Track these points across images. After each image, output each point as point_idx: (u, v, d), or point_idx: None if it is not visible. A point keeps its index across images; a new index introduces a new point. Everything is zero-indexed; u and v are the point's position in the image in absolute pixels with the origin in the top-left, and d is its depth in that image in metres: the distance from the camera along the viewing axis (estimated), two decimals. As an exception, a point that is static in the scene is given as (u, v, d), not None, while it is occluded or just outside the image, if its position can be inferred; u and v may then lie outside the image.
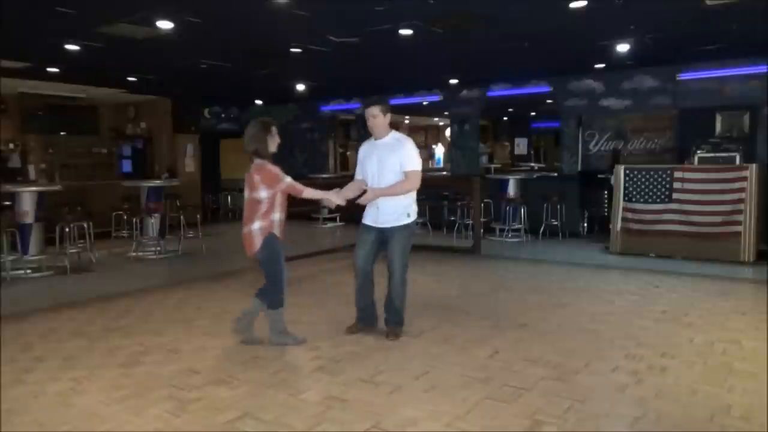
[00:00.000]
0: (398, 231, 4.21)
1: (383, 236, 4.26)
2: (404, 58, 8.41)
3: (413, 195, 4.30)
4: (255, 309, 4.24)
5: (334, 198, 4.22)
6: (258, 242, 4.02)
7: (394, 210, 4.20)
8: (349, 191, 4.35)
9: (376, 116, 4.20)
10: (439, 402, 3.20)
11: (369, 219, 4.31)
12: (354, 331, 4.40)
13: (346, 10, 5.90)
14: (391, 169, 4.17)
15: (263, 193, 3.99)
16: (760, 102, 8.58)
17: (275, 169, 4.01)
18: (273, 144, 4.11)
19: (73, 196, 8.53)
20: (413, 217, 4.29)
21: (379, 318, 4.52)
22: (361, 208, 4.37)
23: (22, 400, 3.31)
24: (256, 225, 4.02)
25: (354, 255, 4.38)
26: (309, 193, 4.19)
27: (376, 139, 4.32)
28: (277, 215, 4.08)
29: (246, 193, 4.10)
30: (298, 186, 4.11)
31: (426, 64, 9.12)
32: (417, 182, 4.22)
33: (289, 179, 4.06)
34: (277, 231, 4.10)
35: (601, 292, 5.84)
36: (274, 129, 4.12)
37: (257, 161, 4.03)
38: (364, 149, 4.40)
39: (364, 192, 4.23)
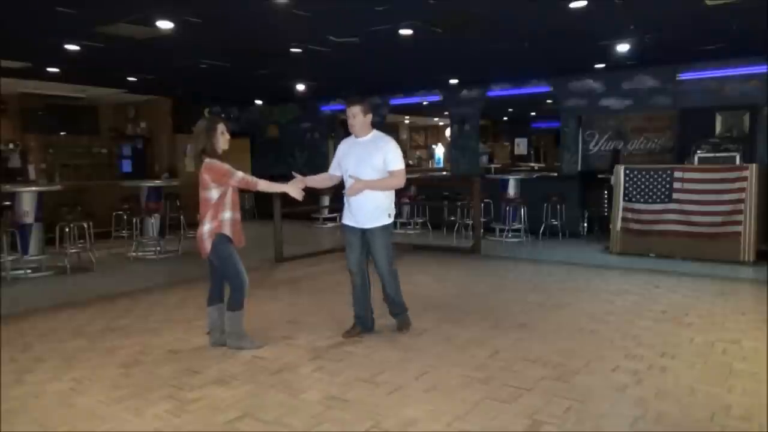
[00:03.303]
0: (379, 231, 4.27)
1: (366, 238, 4.30)
2: (404, 58, 8.41)
3: (392, 196, 4.36)
4: (216, 317, 4.19)
5: (292, 191, 4.16)
6: (208, 245, 3.97)
7: (376, 210, 4.23)
8: (314, 181, 4.43)
9: (356, 115, 4.22)
10: (439, 402, 3.20)
11: (350, 220, 4.31)
12: (352, 335, 4.40)
13: (346, 10, 5.90)
14: (372, 167, 4.18)
15: (214, 192, 3.95)
16: (760, 102, 8.58)
17: (225, 166, 3.96)
18: (221, 142, 4.04)
19: (73, 196, 8.53)
20: (392, 217, 4.36)
21: (376, 321, 4.54)
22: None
23: (22, 400, 3.32)
24: (206, 227, 3.97)
25: (346, 259, 4.39)
26: (264, 185, 4.11)
27: (357, 137, 4.33)
28: (228, 214, 4.00)
29: (200, 193, 4.04)
30: (252, 179, 4.05)
31: (426, 64, 9.12)
32: (403, 180, 4.30)
33: (240, 174, 3.99)
34: (228, 231, 3.99)
35: (601, 292, 5.84)
36: (221, 127, 4.05)
37: (207, 160, 3.98)
38: (344, 146, 4.41)
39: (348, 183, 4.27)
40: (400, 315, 4.56)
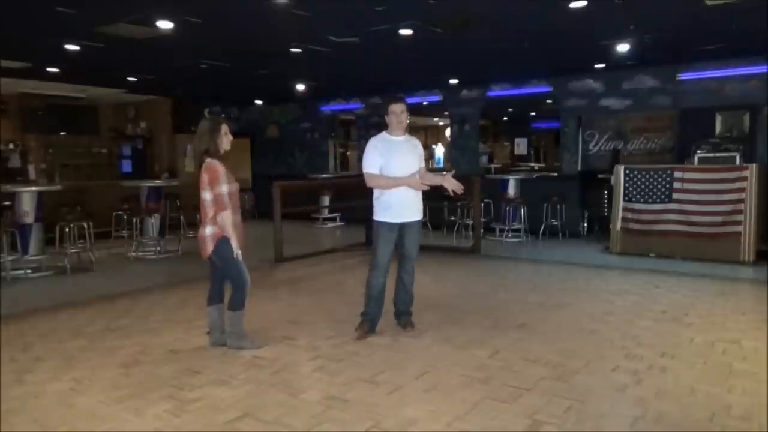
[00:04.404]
0: (418, 224, 4.49)
1: (401, 231, 4.38)
2: (404, 58, 8.41)
3: None
4: (216, 317, 4.20)
5: (236, 243, 3.96)
6: (209, 247, 3.97)
7: (417, 205, 4.45)
8: (403, 181, 4.31)
9: (404, 112, 4.35)
10: (439, 402, 3.20)
11: (392, 216, 4.33)
12: (364, 331, 4.38)
13: (346, 10, 5.90)
14: (415, 164, 4.39)
15: (208, 195, 3.93)
16: (760, 102, 8.58)
17: (220, 172, 3.91)
18: (225, 143, 4.02)
19: (73, 196, 8.53)
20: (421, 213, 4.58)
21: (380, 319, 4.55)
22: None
23: (22, 400, 3.32)
24: (208, 230, 3.96)
25: (380, 256, 4.35)
26: (226, 218, 3.90)
27: (392, 135, 4.38)
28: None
29: (200, 194, 4.03)
30: (225, 203, 3.88)
31: (426, 64, 9.11)
32: None
33: (223, 189, 3.89)
34: (228, 234, 3.96)
35: (601, 292, 5.84)
36: (224, 127, 4.03)
37: (207, 160, 3.96)
38: (384, 145, 4.36)
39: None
40: (406, 315, 4.60)
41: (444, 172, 4.49)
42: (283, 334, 4.50)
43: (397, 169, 4.29)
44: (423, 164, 4.49)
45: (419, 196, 4.43)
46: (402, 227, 4.37)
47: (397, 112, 4.30)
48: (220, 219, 3.93)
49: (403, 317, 4.59)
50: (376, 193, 4.38)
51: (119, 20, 6.12)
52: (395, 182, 4.29)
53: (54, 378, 3.66)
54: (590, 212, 9.89)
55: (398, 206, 4.32)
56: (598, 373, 3.62)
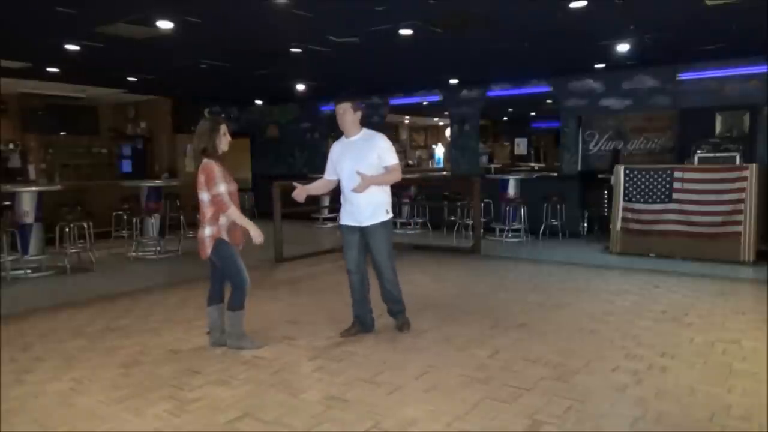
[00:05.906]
0: (379, 227, 4.25)
1: (364, 235, 4.28)
2: (404, 58, 8.41)
3: (389, 193, 4.35)
4: (216, 317, 4.20)
5: (254, 232, 3.98)
6: (208, 249, 3.98)
7: (374, 207, 4.22)
8: (314, 188, 4.47)
9: (345, 112, 4.20)
10: (439, 402, 3.20)
11: (348, 219, 4.30)
12: (351, 333, 4.40)
13: (346, 10, 5.90)
14: (369, 165, 4.15)
15: (206, 195, 3.93)
16: (760, 102, 8.58)
17: (217, 172, 3.90)
18: (223, 143, 4.03)
19: (73, 196, 8.52)
20: (391, 213, 4.34)
21: (376, 321, 4.54)
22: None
23: (22, 400, 3.32)
24: (207, 231, 3.96)
25: (345, 258, 4.37)
26: (234, 213, 3.94)
27: (347, 137, 4.32)
28: (226, 218, 3.98)
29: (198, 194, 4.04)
30: (226, 202, 3.89)
31: (426, 64, 9.12)
32: (400, 174, 4.30)
33: (222, 189, 3.88)
34: (225, 235, 3.96)
35: (601, 292, 5.84)
36: (223, 128, 4.04)
37: (204, 161, 3.96)
38: (337, 148, 4.38)
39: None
40: (399, 314, 4.56)
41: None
42: (283, 334, 4.50)
43: (345, 171, 4.23)
44: (387, 162, 4.19)
45: (374, 198, 4.18)
46: (362, 231, 4.26)
47: (339, 113, 4.21)
48: (225, 218, 3.94)
49: (398, 316, 4.55)
50: None
51: (119, 20, 6.12)
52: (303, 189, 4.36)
53: (54, 378, 3.66)
54: (590, 212, 9.89)
55: (350, 209, 4.27)
56: (598, 373, 3.62)
